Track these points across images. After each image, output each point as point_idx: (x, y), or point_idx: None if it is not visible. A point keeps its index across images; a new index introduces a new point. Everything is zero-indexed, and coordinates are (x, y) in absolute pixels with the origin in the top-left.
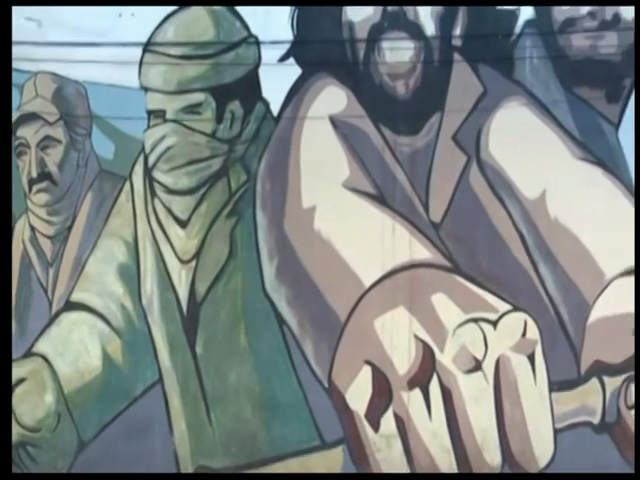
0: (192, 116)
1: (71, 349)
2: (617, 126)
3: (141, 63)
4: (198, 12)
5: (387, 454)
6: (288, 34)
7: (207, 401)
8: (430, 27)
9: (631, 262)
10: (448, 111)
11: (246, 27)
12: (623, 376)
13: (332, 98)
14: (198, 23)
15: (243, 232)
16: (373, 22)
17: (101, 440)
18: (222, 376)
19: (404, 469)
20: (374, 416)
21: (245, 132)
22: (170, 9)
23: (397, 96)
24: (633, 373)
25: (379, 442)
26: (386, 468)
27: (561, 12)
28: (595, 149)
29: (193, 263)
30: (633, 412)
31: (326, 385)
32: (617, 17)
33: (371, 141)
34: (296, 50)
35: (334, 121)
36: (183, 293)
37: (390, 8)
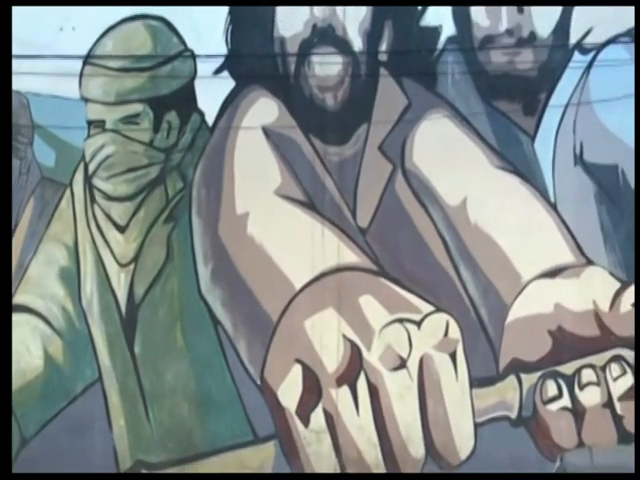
0: (130, 126)
1: (13, 349)
2: (533, 137)
3: (81, 75)
4: (136, 26)
5: (317, 448)
6: (222, 48)
7: (145, 398)
8: (357, 43)
9: (546, 265)
10: (375, 122)
11: (182, 41)
12: (539, 373)
13: (264, 109)
14: (136, 37)
15: (179, 237)
16: (303, 37)
17: (42, 437)
18: (159, 374)
19: (332, 462)
20: (304, 412)
21: (181, 141)
22: (109, 22)
23: (326, 108)
24: (548, 370)
25: (309, 437)
26: (315, 461)
27: (480, 30)
28: (512, 159)
29: (131, 266)
30: (548, 407)
31: (259, 383)
32: (533, 35)
33: (302, 150)
34: (230, 64)
35: (266, 131)
36: (122, 295)
37: (319, 24)
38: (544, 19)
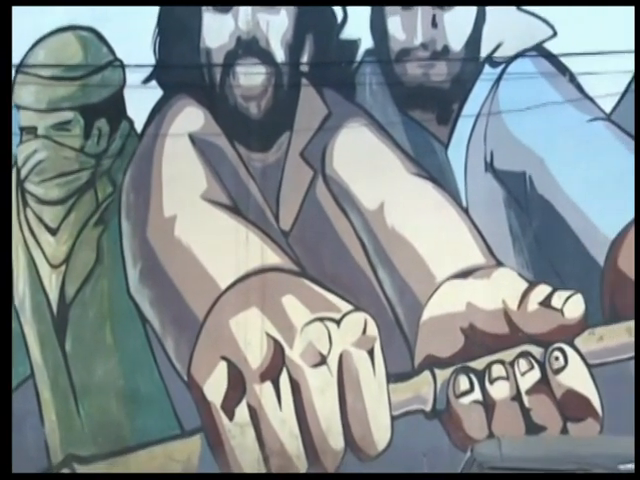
0: (62, 132)
1: None
2: (446, 145)
3: (14, 83)
4: (67, 37)
5: (241, 441)
6: (151, 59)
7: (76, 394)
8: (280, 54)
9: (459, 266)
10: (296, 130)
11: (112, 51)
12: (451, 368)
13: (191, 117)
14: (67, 47)
15: (109, 239)
16: (228, 49)
17: None
18: (90, 371)
19: (256, 454)
20: (229, 407)
21: (111, 147)
22: (42, 32)
23: (250, 116)
24: (460, 366)
25: (234, 430)
26: (239, 454)
27: (397, 43)
28: (427, 165)
29: (63, 268)
30: (460, 400)
31: (185, 379)
32: (446, 48)
33: (226, 157)
34: (158, 73)
35: (193, 138)
36: (53, 295)
37: (244, 37)
38: (457, 34)
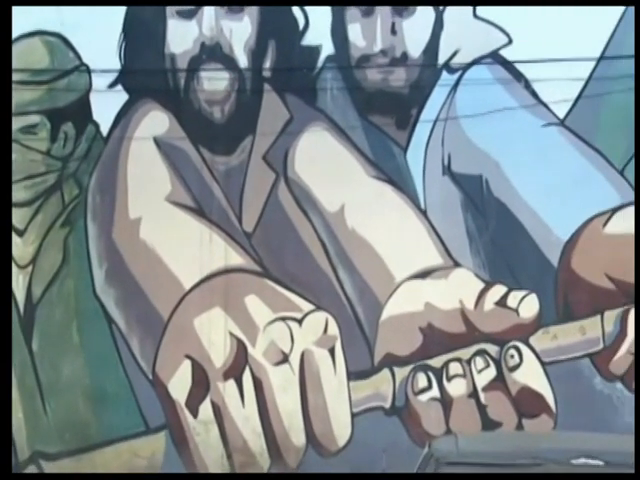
0: (29, 136)
1: None
2: (405, 149)
3: None
4: (34, 42)
5: (205, 438)
6: (116, 64)
7: (42, 393)
8: (243, 60)
9: (417, 267)
10: (259, 134)
11: (78, 56)
12: (410, 366)
13: (156, 121)
14: (34, 52)
15: (75, 240)
16: (192, 54)
17: None
18: (56, 370)
19: (219, 451)
20: (193, 404)
21: (77, 151)
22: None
23: (214, 120)
24: (419, 364)
25: (198, 427)
26: (203, 450)
27: (357, 49)
28: (386, 169)
29: (30, 268)
30: (418, 397)
31: (150, 377)
32: (405, 55)
33: (191, 160)
34: (123, 78)
35: (158, 142)
36: (20, 295)
37: (207, 43)
38: (415, 41)
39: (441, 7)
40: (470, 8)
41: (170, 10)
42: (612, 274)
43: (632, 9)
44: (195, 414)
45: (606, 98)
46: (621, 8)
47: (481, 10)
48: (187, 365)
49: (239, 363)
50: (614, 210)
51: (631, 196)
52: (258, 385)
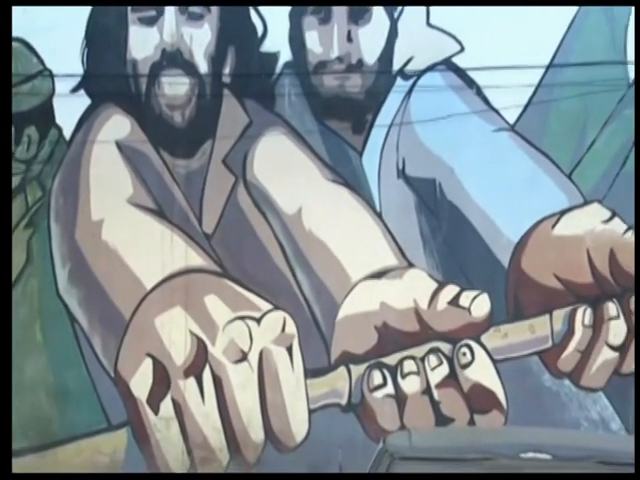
0: None
1: None
2: (361, 153)
3: None
4: None
5: (166, 434)
6: (79, 69)
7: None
8: (203, 66)
9: (373, 268)
10: (219, 138)
11: (41, 61)
12: (366, 364)
13: (118, 125)
14: None
15: (39, 241)
16: (153, 60)
17: None
18: (20, 368)
19: (180, 446)
20: (154, 401)
21: (40, 154)
22: None
23: (175, 124)
24: (374, 361)
25: (159, 424)
26: (164, 446)
27: (314, 56)
28: (342, 172)
29: None
30: (374, 394)
31: (112, 375)
32: (361, 62)
33: (152, 163)
34: (86, 83)
35: (120, 145)
36: None
37: (168, 49)
38: (370, 48)
39: (396, 15)
40: (424, 17)
41: (132, 17)
42: (560, 274)
43: (582, 16)
44: (156, 411)
45: (555, 105)
46: (570, 16)
47: (434, 19)
48: (148, 363)
49: (199, 361)
50: (562, 213)
51: (579, 199)
52: (218, 383)
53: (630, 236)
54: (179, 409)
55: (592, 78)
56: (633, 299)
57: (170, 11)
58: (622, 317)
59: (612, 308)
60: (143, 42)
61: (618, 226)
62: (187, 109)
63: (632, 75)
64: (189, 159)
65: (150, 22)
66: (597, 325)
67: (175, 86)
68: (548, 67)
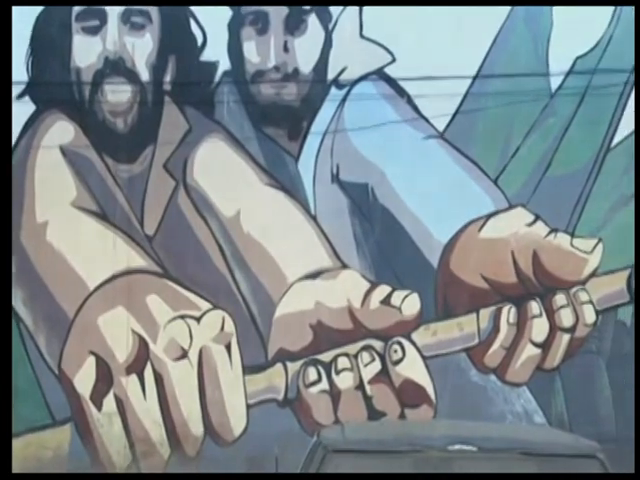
0: None
1: None
2: (297, 159)
3: None
4: None
5: (108, 429)
6: (24, 76)
7: None
8: (145, 74)
9: (308, 269)
10: (160, 144)
11: None
12: (301, 361)
13: (62, 131)
14: None
15: None
16: (97, 68)
17: None
18: None
19: (123, 441)
20: (97, 398)
21: None
22: None
23: (117, 130)
24: (309, 358)
25: (102, 419)
26: (107, 441)
27: (252, 65)
28: (279, 177)
29: None
30: (309, 390)
31: (57, 372)
32: (296, 71)
33: (95, 168)
34: (31, 90)
35: (64, 150)
36: None
37: (111, 57)
38: (306, 58)
39: (330, 27)
40: (357, 29)
41: (75, 26)
42: (486, 275)
43: (507, 29)
44: (99, 407)
45: (481, 113)
46: (496, 29)
47: (367, 30)
48: (91, 361)
49: (141, 359)
50: (488, 216)
51: (504, 203)
52: (159, 379)
53: (552, 238)
54: (121, 405)
55: (516, 88)
56: (555, 298)
57: (113, 21)
58: (544, 315)
59: (535, 307)
60: (87, 51)
61: (541, 229)
62: (129, 116)
63: (554, 86)
64: (131, 164)
65: (93, 31)
66: (521, 323)
67: (118, 93)
68: (475, 78)
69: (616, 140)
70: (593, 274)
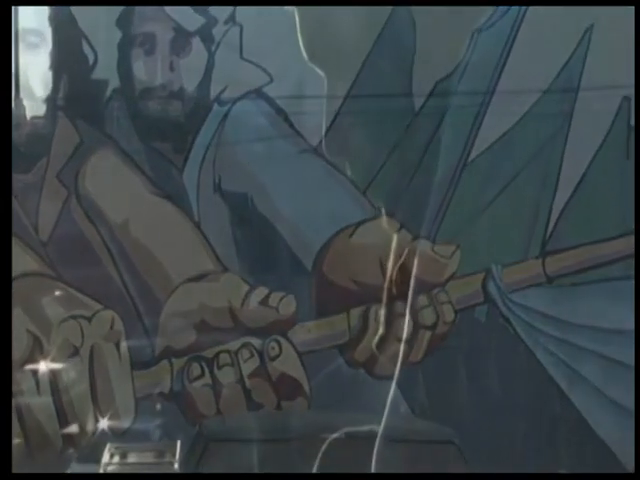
0: None
1: None
2: (182, 170)
3: None
4: None
5: None
6: None
7: None
8: (39, 90)
9: (193, 272)
10: (53, 155)
11: None
12: (186, 357)
13: None
14: None
15: None
16: None
17: None
18: None
19: (18, 435)
20: None
21: None
22: None
23: (13, 143)
24: (194, 355)
25: None
26: None
27: (140, 83)
28: (165, 186)
29: None
30: (194, 384)
31: None
32: (182, 89)
33: None
34: None
35: None
36: None
37: None
38: (190, 77)
39: (213, 49)
40: (238, 52)
41: None
42: (356, 278)
43: (377, 50)
44: None
45: (352, 130)
46: (366, 51)
47: (247, 53)
48: None
49: (35, 357)
50: (358, 224)
51: (372, 212)
52: (52, 376)
53: (415, 245)
54: (16, 401)
55: (384, 107)
56: (418, 299)
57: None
58: (408, 314)
59: (400, 306)
60: None
61: (406, 236)
62: (24, 129)
63: (417, 106)
64: (26, 174)
65: None
66: (388, 321)
67: (14, 108)
68: (346, 97)
69: (472, 155)
70: (452, 277)
